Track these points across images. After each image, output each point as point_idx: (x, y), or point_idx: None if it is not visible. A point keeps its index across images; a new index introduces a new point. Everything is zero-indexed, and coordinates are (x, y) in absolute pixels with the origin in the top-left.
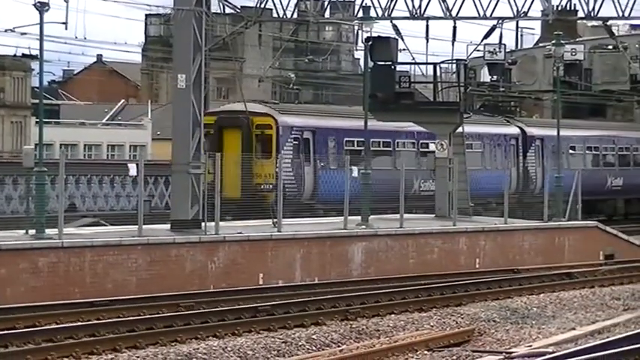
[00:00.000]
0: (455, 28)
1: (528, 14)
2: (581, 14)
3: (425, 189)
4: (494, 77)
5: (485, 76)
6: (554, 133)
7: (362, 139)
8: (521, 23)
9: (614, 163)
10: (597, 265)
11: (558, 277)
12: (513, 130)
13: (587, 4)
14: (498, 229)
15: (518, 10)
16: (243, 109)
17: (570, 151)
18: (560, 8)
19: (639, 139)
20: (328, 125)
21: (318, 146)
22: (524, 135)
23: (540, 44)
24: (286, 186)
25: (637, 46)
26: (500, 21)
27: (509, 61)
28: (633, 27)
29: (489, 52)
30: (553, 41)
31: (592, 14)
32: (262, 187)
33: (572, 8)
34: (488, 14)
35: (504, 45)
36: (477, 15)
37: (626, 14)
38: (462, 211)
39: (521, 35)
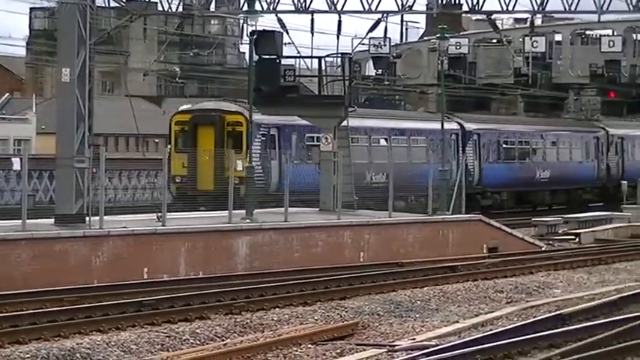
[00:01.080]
0: (340, 21)
1: (413, 8)
2: (465, 8)
3: (376, 181)
4: (380, 71)
5: (370, 69)
6: (496, 128)
7: (320, 135)
8: (406, 17)
9: (543, 156)
10: (481, 258)
11: (442, 271)
12: (454, 125)
13: None
14: (383, 222)
15: (403, 3)
16: (216, 108)
17: (503, 145)
18: (444, 2)
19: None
20: (291, 122)
21: (283, 142)
22: (463, 130)
23: (425, 38)
24: (255, 178)
25: (521, 40)
26: (385, 15)
27: (394, 54)
28: (517, 21)
29: (374, 45)
30: (438, 35)
31: (476, 8)
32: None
33: (457, 2)
34: (373, 8)
35: (389, 39)
36: (361, 9)
37: (510, 8)
38: (346, 205)
39: (406, 29)
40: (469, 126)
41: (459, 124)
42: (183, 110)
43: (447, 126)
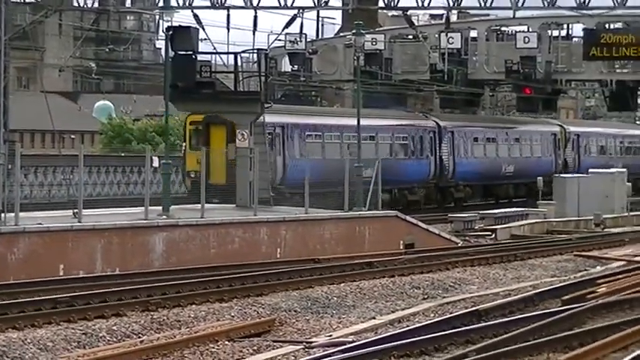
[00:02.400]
0: (256, 17)
1: (329, 4)
2: (381, 4)
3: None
4: (295, 67)
5: (286, 65)
6: (468, 126)
7: (319, 133)
8: (322, 13)
9: (508, 152)
10: (397, 254)
11: (359, 267)
12: (431, 123)
13: None
14: (299, 218)
15: None
16: None
17: (474, 142)
18: None
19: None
20: (294, 122)
21: (287, 139)
22: (439, 128)
23: (341, 34)
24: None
25: (436, 35)
26: (300, 10)
27: (310, 50)
28: (433, 17)
29: (290, 41)
30: (353, 31)
31: (392, 4)
32: None
33: None
34: (289, 4)
35: (305, 35)
36: (277, 5)
37: (426, 4)
38: (263, 201)
39: (322, 25)
40: (444, 124)
41: (435, 122)
42: (198, 111)
43: (424, 124)
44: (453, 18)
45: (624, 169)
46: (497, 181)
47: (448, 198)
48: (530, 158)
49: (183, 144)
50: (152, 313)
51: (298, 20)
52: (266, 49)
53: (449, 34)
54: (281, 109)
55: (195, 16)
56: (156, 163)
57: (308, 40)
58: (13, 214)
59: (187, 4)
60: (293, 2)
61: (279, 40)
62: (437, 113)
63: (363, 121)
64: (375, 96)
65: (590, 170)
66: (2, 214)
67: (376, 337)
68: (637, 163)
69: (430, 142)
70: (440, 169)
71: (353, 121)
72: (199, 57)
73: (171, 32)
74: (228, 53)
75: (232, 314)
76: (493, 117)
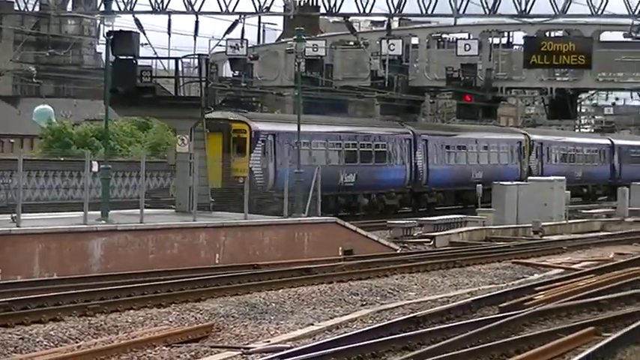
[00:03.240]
0: (197, 22)
1: (270, 10)
2: (322, 10)
3: (347, 181)
4: (236, 72)
5: (227, 71)
6: (441, 134)
7: (307, 140)
8: (264, 19)
9: (477, 159)
10: (336, 260)
11: (298, 273)
12: (407, 131)
13: (329, 0)
14: (238, 224)
15: (260, 5)
16: (223, 117)
17: (445, 149)
18: (302, 4)
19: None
20: (285, 130)
21: (278, 146)
22: (414, 136)
23: (282, 40)
24: (257, 178)
25: (377, 42)
26: (242, 16)
27: (251, 56)
28: (374, 24)
29: (231, 47)
30: (295, 37)
31: (333, 11)
32: (239, 178)
33: (314, 4)
34: (230, 9)
35: (246, 40)
36: (219, 10)
37: (367, 11)
38: (202, 206)
39: (264, 31)
40: (418, 132)
41: (410, 130)
42: None
43: (400, 132)
44: (394, 25)
45: (563, 177)
46: (468, 187)
47: (422, 203)
48: (498, 165)
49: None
50: (90, 318)
51: (239, 26)
52: (207, 55)
53: (390, 41)
54: (272, 118)
55: (137, 21)
56: (95, 168)
57: (249, 45)
58: None
59: (128, 8)
60: (234, 8)
61: (221, 45)
62: (412, 122)
63: (345, 129)
64: (315, 102)
65: (529, 178)
66: None
67: (314, 344)
68: (596, 170)
69: (406, 150)
70: (415, 175)
71: (335, 128)
72: (140, 62)
73: (112, 37)
74: (169, 58)
75: (170, 320)
76: (463, 126)
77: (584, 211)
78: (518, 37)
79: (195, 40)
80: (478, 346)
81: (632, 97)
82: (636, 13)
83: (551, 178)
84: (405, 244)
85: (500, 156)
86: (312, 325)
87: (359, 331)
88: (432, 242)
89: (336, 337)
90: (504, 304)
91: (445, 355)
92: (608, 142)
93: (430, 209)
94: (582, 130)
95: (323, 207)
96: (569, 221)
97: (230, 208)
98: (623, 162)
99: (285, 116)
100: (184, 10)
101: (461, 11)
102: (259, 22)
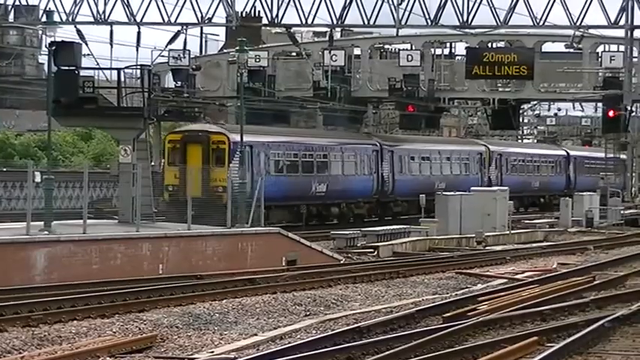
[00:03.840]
0: (139, 33)
1: (212, 20)
2: (265, 21)
3: (319, 191)
4: (179, 83)
5: (169, 81)
6: (407, 146)
7: (280, 151)
8: (206, 29)
9: (440, 169)
10: (280, 270)
11: (241, 283)
12: (374, 143)
13: (271, 10)
14: (182, 234)
15: (202, 16)
16: (203, 129)
17: (410, 160)
18: (244, 15)
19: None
20: (259, 141)
21: (254, 157)
22: (381, 147)
23: (225, 50)
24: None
25: (320, 53)
26: (184, 27)
27: (194, 67)
28: (316, 34)
29: (174, 57)
30: (237, 47)
31: (276, 21)
32: (217, 188)
33: (257, 15)
34: (172, 20)
35: (189, 51)
36: (161, 20)
37: (310, 21)
38: (145, 217)
39: (206, 41)
40: (385, 143)
41: (377, 142)
42: (175, 131)
43: (368, 143)
44: (337, 35)
45: (506, 188)
46: (431, 197)
47: (388, 212)
48: (460, 176)
49: (162, 160)
50: (33, 328)
51: (182, 36)
52: (149, 65)
53: (332, 52)
54: (248, 130)
55: (79, 32)
56: (38, 179)
57: (191, 56)
58: None
59: (70, 19)
60: (177, 19)
61: (163, 56)
62: (378, 134)
63: (320, 141)
64: (258, 113)
65: (472, 188)
66: None
67: (258, 354)
68: (552, 181)
69: (373, 161)
70: (381, 185)
71: (307, 140)
72: (82, 72)
73: (54, 47)
74: (111, 69)
75: (114, 330)
76: (427, 137)
77: (527, 222)
78: (460, 48)
79: (137, 50)
80: (422, 356)
81: (574, 107)
82: (577, 23)
83: (494, 188)
84: (349, 255)
85: (462, 166)
86: (256, 335)
87: (303, 341)
88: (375, 253)
89: (279, 348)
90: (448, 314)
91: None
92: (564, 152)
93: (395, 218)
94: (525, 140)
95: (295, 216)
96: (513, 231)
97: (210, 220)
98: (578, 172)
99: (260, 128)
100: (126, 20)
101: (403, 22)
102: (201, 33)
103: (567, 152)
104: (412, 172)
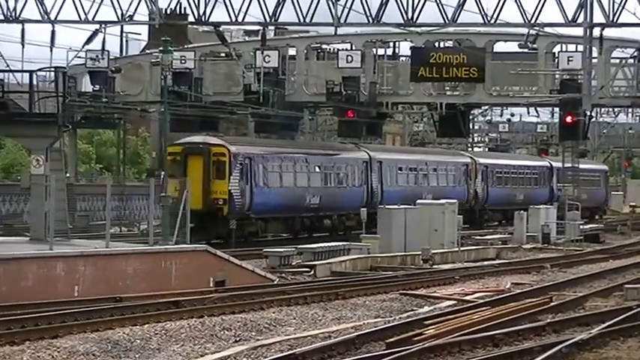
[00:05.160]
0: (53, 32)
1: (134, 18)
2: (191, 19)
3: (312, 203)
4: (97, 86)
5: (87, 85)
6: (394, 156)
7: (277, 163)
8: (127, 28)
9: (427, 180)
10: (207, 292)
11: (165, 306)
12: (363, 154)
13: (198, 7)
14: (100, 253)
15: (122, 13)
16: (204, 141)
17: (398, 171)
18: (168, 12)
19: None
20: (258, 152)
21: (253, 168)
22: (370, 158)
23: (147, 51)
24: (236, 201)
25: (251, 53)
26: (103, 25)
27: (113, 68)
28: (247, 33)
29: (91, 59)
30: (160, 48)
31: (203, 19)
32: (218, 200)
33: (182, 12)
34: (90, 18)
35: (108, 51)
36: (77, 18)
37: (240, 19)
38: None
39: (127, 41)
40: (374, 155)
41: (366, 153)
42: (176, 143)
43: (356, 155)
44: (270, 34)
45: (455, 200)
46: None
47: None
48: (447, 187)
49: (162, 172)
50: None
51: (100, 36)
52: (64, 67)
53: (265, 52)
54: (247, 141)
55: None
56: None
57: (111, 57)
58: None
59: None
60: (94, 16)
61: (80, 57)
62: (367, 144)
63: (307, 152)
64: (184, 119)
65: (418, 201)
66: None
67: None
68: (536, 193)
69: (363, 172)
70: (371, 196)
71: (302, 150)
72: None
73: None
74: (22, 71)
75: (25, 358)
76: (414, 148)
77: (478, 238)
78: (404, 48)
79: (51, 51)
80: None
81: (528, 112)
82: (532, 21)
83: (442, 201)
84: (283, 275)
85: (449, 178)
86: None
87: None
88: (312, 272)
89: None
90: (391, 339)
91: None
92: (548, 164)
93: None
94: (476, 148)
95: (289, 228)
96: (462, 248)
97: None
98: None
99: (257, 140)
100: (39, 18)
101: (342, 20)
102: (122, 32)
103: (550, 164)
104: (400, 182)
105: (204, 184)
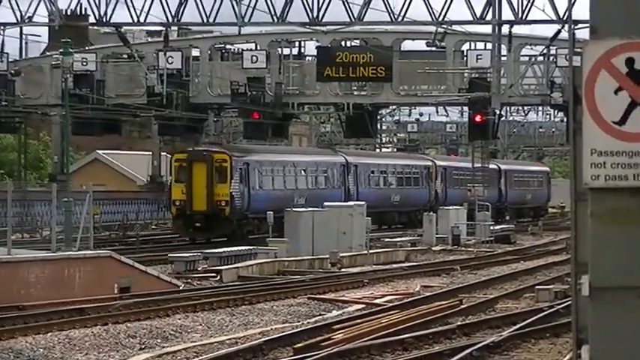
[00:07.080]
0: None
1: (33, 19)
2: (92, 20)
3: (299, 204)
4: None
5: None
6: (367, 160)
7: (269, 167)
8: (26, 29)
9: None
10: (111, 299)
11: (68, 314)
12: (341, 158)
13: (99, 8)
14: (1, 260)
15: (21, 14)
16: (207, 149)
17: (370, 175)
18: (68, 13)
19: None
20: (253, 158)
21: (250, 173)
22: (347, 162)
23: (47, 53)
24: (237, 202)
25: (154, 54)
26: (1, 27)
27: (12, 71)
28: (150, 34)
29: None
30: (61, 50)
31: (104, 20)
32: (220, 202)
33: (83, 13)
34: None
35: (7, 54)
36: None
37: (142, 20)
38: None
39: (26, 43)
40: (350, 159)
41: (344, 157)
42: (181, 151)
43: (333, 159)
44: (173, 35)
45: (363, 202)
46: (388, 209)
47: None
48: (412, 190)
49: (170, 177)
50: None
51: None
52: None
53: (168, 53)
54: (244, 149)
55: None
56: None
57: (10, 59)
58: None
59: None
60: None
61: None
62: (344, 149)
63: (294, 157)
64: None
65: (325, 204)
66: None
67: None
68: (487, 194)
69: (341, 175)
70: (347, 197)
71: (290, 157)
72: None
73: None
74: None
75: None
76: (385, 153)
77: (387, 240)
78: (310, 48)
79: None
80: None
81: (437, 112)
82: (440, 19)
83: (351, 203)
84: (189, 280)
85: (414, 180)
86: None
87: None
88: (218, 277)
89: None
90: (299, 344)
91: None
92: (496, 167)
93: None
94: (384, 149)
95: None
96: (371, 251)
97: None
98: (508, 186)
99: (251, 147)
100: None
101: (246, 19)
102: (21, 34)
103: (499, 167)
104: (372, 185)
105: (208, 188)
